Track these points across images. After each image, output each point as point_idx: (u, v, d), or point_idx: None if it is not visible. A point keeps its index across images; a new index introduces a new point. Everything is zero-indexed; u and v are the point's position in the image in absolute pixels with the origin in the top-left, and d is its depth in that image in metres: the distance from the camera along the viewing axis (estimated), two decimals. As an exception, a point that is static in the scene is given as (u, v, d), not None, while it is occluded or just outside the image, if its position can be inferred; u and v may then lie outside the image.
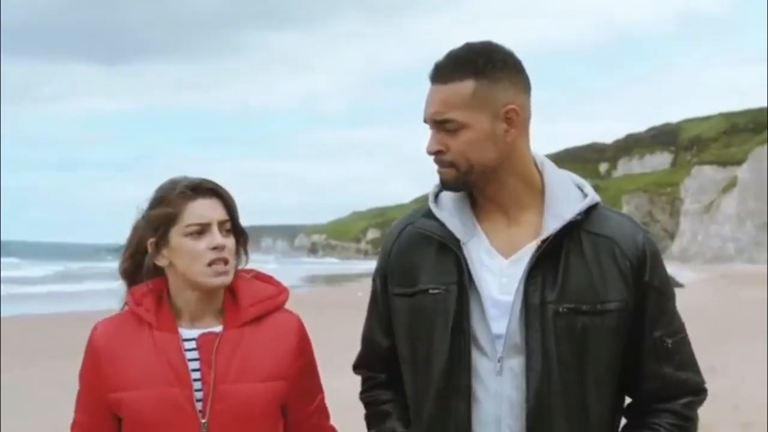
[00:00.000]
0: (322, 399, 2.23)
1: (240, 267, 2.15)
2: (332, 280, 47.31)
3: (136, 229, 2.11)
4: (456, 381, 1.91)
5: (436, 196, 2.04)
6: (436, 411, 1.93)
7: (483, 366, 1.91)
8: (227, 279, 2.06)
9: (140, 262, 2.11)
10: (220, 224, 2.06)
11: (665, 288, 1.98)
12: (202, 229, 2.04)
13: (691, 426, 1.99)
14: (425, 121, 1.97)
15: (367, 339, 2.13)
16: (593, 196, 1.97)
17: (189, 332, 2.06)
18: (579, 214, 1.93)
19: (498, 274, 1.94)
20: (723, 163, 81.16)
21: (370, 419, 2.11)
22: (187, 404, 2.01)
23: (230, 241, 2.07)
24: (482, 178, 1.95)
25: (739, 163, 74.36)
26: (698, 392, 2.00)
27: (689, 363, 2.00)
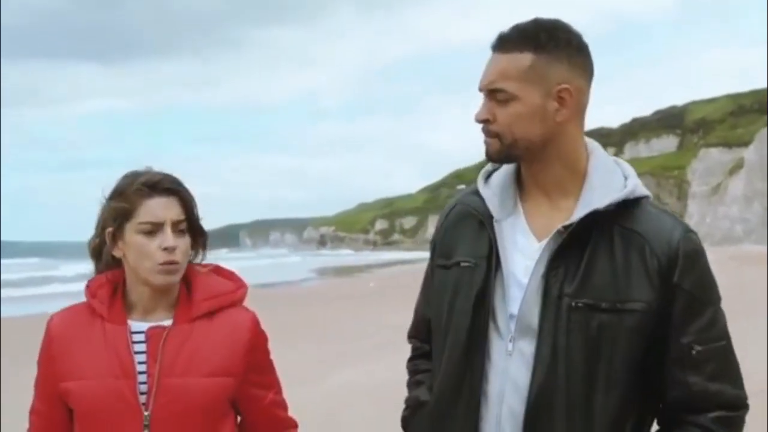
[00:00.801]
0: (277, 392, 2.22)
1: (198, 262, 2.16)
2: (344, 271, 47.33)
3: (100, 214, 2.12)
4: (471, 356, 1.92)
5: (488, 175, 2.06)
6: (450, 385, 1.95)
7: (496, 344, 1.92)
8: (174, 279, 2.07)
9: (102, 252, 2.13)
10: (174, 224, 2.06)
11: (700, 292, 1.88)
12: (155, 228, 2.04)
13: None
14: (480, 90, 1.96)
15: (417, 310, 2.19)
16: (633, 189, 1.91)
17: (139, 325, 2.08)
18: (609, 206, 1.87)
19: (528, 254, 1.93)
20: (729, 144, 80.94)
21: (408, 386, 2.16)
22: (131, 396, 2.02)
23: (183, 241, 2.07)
24: (526, 153, 1.93)
25: (745, 144, 74.15)
26: (735, 407, 1.89)
27: (725, 374, 1.89)
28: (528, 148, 1.92)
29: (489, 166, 2.07)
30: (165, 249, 2.03)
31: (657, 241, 1.86)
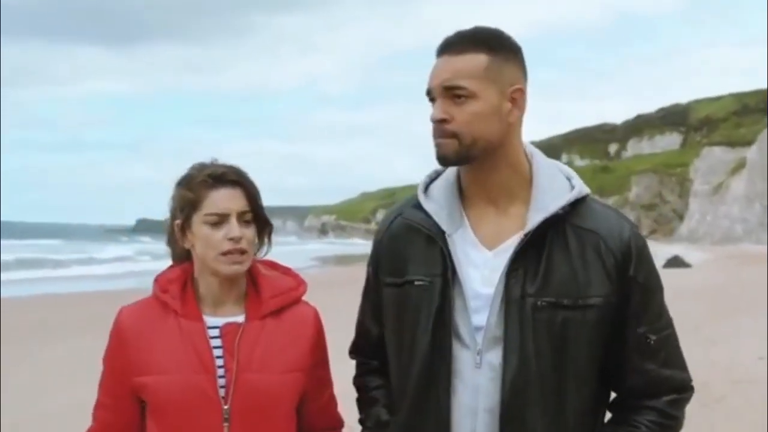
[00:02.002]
0: (332, 389, 2.27)
1: (260, 254, 2.18)
2: (346, 260, 47.41)
3: (170, 206, 2.15)
4: (436, 373, 1.91)
5: (426, 186, 2.03)
6: (416, 401, 1.94)
7: (463, 358, 1.91)
8: (241, 268, 2.09)
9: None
10: (240, 215, 2.08)
11: (651, 284, 1.94)
12: (221, 219, 2.07)
13: (674, 424, 1.96)
14: (428, 93, 1.94)
15: (360, 325, 2.15)
16: (580, 189, 1.95)
17: (213, 320, 2.11)
18: (563, 208, 1.90)
19: (481, 266, 1.92)
20: (732, 144, 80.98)
21: (360, 404, 2.14)
22: (211, 391, 2.05)
23: (249, 231, 2.10)
24: (483, 155, 1.92)
25: (748, 144, 74.16)
26: (683, 390, 1.97)
27: (675, 360, 1.96)
28: (486, 149, 1.91)
29: (426, 178, 2.04)
30: (231, 239, 2.05)
31: (610, 238, 1.91)
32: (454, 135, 1.90)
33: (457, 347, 1.91)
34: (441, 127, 1.91)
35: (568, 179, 1.97)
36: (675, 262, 32.63)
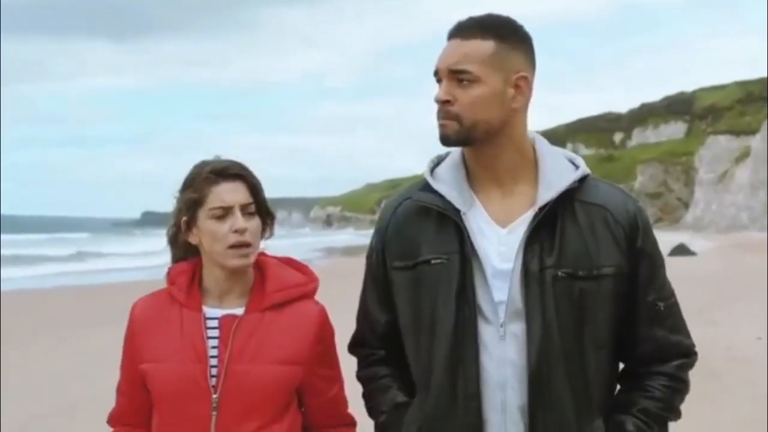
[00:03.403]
0: (341, 389, 2.27)
1: (265, 239, 2.22)
2: (357, 251, 47.45)
3: (175, 206, 2.21)
4: (463, 348, 1.94)
5: (432, 170, 2.07)
6: (444, 379, 1.96)
7: (487, 332, 1.95)
8: (248, 260, 2.15)
9: (179, 238, 2.23)
10: (243, 207, 2.13)
11: (656, 254, 2.03)
12: (225, 213, 2.12)
13: (683, 388, 2.03)
14: (435, 73, 1.99)
15: (365, 317, 2.15)
16: (584, 168, 2.02)
17: (213, 311, 2.17)
18: (573, 183, 1.97)
19: (496, 243, 1.97)
20: (737, 132, 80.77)
21: (370, 394, 2.14)
22: (201, 380, 2.11)
23: (253, 223, 2.15)
24: (484, 137, 1.97)
25: (753, 132, 74.02)
26: (689, 354, 2.04)
27: (680, 326, 2.04)
28: (487, 131, 1.96)
29: (430, 162, 2.08)
30: (236, 231, 2.11)
31: (617, 211, 1.98)
32: (456, 116, 1.96)
33: (480, 322, 1.95)
34: (444, 108, 1.97)
35: (571, 161, 2.05)
36: (680, 250, 32.66)
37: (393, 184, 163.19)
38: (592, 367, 1.96)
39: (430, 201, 2.01)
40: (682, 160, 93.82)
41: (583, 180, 2.00)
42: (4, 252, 35.84)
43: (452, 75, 1.96)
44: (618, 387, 2.06)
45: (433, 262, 1.98)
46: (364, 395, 2.16)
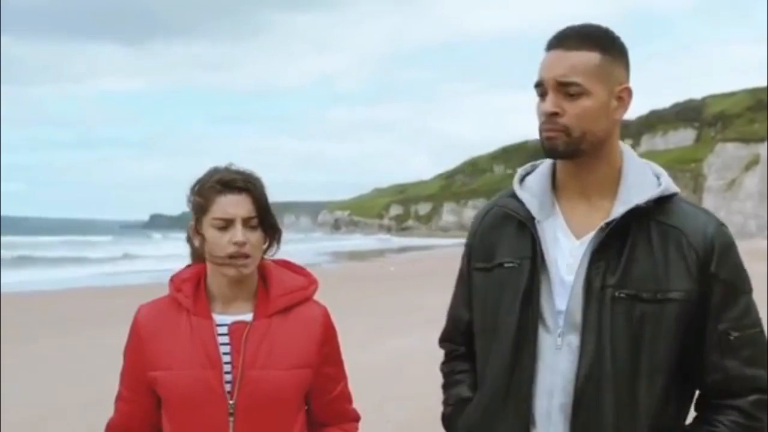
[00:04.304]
0: (345, 385, 2.32)
1: (269, 255, 2.25)
2: (359, 256, 47.48)
3: (189, 206, 2.24)
4: (521, 353, 1.97)
5: (522, 178, 2.10)
6: (500, 379, 1.99)
7: (545, 340, 1.96)
8: (245, 271, 2.17)
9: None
10: (245, 220, 2.15)
11: (735, 281, 1.95)
12: (227, 224, 2.14)
13: (759, 426, 1.94)
14: (539, 85, 1.98)
15: (452, 313, 2.21)
16: (667, 186, 1.98)
17: (222, 318, 2.19)
18: (648, 203, 1.94)
19: (567, 254, 1.98)
20: (746, 140, 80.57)
21: (445, 387, 2.19)
22: (217, 386, 2.13)
23: (254, 236, 2.17)
24: (590, 149, 1.97)
25: (762, 140, 73.90)
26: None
27: (760, 359, 1.95)
28: (593, 143, 1.96)
29: (522, 170, 2.12)
30: (235, 243, 2.13)
31: (693, 235, 1.93)
32: (564, 128, 1.95)
33: (541, 329, 1.97)
34: (552, 120, 1.96)
35: (657, 177, 2.03)
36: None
37: (401, 189, 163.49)
38: (643, 390, 1.92)
39: (512, 208, 2.05)
40: (691, 167, 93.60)
41: (666, 199, 1.98)
42: (20, 253, 36.37)
43: (559, 87, 1.95)
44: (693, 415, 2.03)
45: (506, 265, 2.02)
46: (442, 387, 2.21)
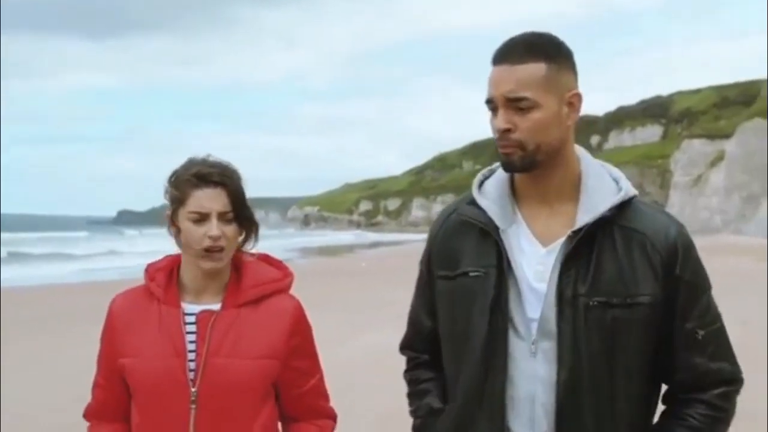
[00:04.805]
0: (319, 381, 2.30)
1: (248, 248, 2.25)
2: (330, 251, 47.43)
3: (166, 195, 2.24)
4: (493, 360, 1.97)
5: (481, 184, 2.09)
6: (472, 388, 1.99)
7: (518, 347, 1.97)
8: (218, 264, 2.18)
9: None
10: (220, 214, 2.16)
11: (698, 281, 2.00)
12: (202, 218, 2.15)
13: (725, 416, 1.99)
14: (489, 102, 1.99)
15: (413, 320, 2.20)
16: (627, 190, 2.00)
17: (191, 307, 2.20)
18: (611, 210, 1.96)
19: (534, 261, 1.98)
20: (712, 136, 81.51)
21: (411, 397, 2.18)
22: (180, 374, 2.14)
23: (229, 229, 2.17)
24: (546, 159, 1.98)
25: (727, 136, 74.83)
26: (733, 382, 2.00)
27: (724, 353, 2.01)
28: (549, 153, 1.97)
29: (480, 176, 2.11)
30: (210, 237, 2.14)
31: (656, 238, 1.96)
32: (518, 144, 1.96)
33: (512, 336, 1.97)
34: (506, 137, 1.97)
35: (615, 181, 2.04)
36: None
37: (371, 184, 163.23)
38: (622, 394, 1.95)
39: (472, 216, 2.04)
40: (657, 163, 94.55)
41: (626, 203, 1.99)
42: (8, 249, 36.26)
43: (509, 102, 1.96)
44: (661, 409, 2.07)
45: (471, 274, 2.02)
46: (408, 396, 2.20)
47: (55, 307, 15.89)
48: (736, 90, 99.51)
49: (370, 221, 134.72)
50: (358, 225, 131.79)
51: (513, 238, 2.00)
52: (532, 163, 1.98)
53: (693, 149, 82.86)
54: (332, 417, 2.34)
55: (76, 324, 12.83)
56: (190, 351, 2.15)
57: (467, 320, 2.01)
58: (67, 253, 39.30)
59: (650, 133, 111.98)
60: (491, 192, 2.06)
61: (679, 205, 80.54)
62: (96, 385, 2.31)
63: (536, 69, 1.95)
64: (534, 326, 1.96)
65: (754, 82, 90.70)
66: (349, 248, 51.22)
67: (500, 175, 2.07)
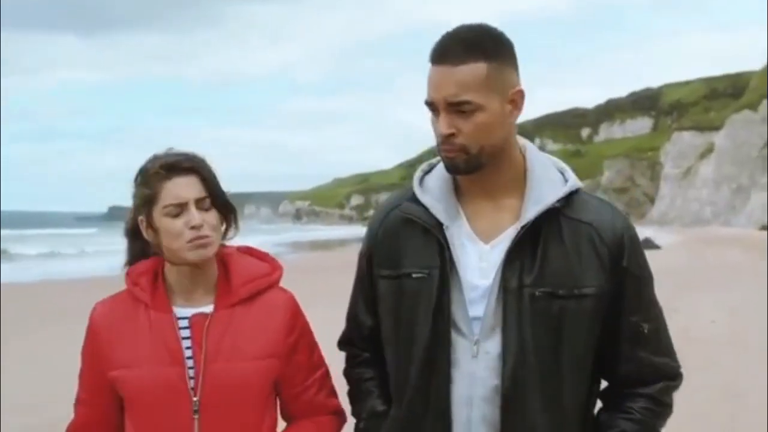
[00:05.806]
0: (323, 375, 2.20)
1: (228, 238, 2.15)
2: (320, 246, 47.34)
3: (132, 201, 2.12)
4: (435, 362, 1.93)
5: (421, 179, 2.04)
6: (416, 391, 1.96)
7: (461, 348, 1.93)
8: (208, 252, 2.06)
9: (138, 231, 2.13)
10: (198, 202, 2.05)
11: (643, 274, 1.98)
12: (179, 209, 2.04)
13: (665, 411, 1.99)
14: (429, 103, 1.94)
15: (352, 317, 2.13)
16: (573, 182, 1.97)
17: (183, 311, 2.09)
18: (558, 201, 1.93)
19: (478, 259, 1.94)
20: (701, 128, 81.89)
21: (353, 396, 2.12)
22: (180, 383, 2.03)
23: (210, 216, 2.06)
24: (491, 160, 1.93)
25: (716, 128, 75.16)
26: (674, 377, 2.00)
27: (666, 349, 2.00)
28: (493, 155, 1.93)
29: (420, 171, 2.06)
30: (192, 228, 2.03)
31: (604, 229, 1.93)
32: (462, 147, 1.90)
33: (455, 337, 1.93)
34: (449, 141, 1.91)
35: (561, 173, 2.01)
36: (645, 244, 32.73)
37: (361, 178, 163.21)
38: (569, 386, 1.93)
39: (414, 213, 1.99)
40: (648, 155, 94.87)
41: (572, 194, 1.96)
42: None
43: (451, 107, 1.90)
44: (600, 405, 2.04)
45: (414, 275, 1.97)
46: (348, 394, 2.15)
47: (58, 304, 15.66)
48: (725, 82, 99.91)
49: (361, 215, 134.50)
50: (350, 219, 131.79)
51: (455, 235, 1.95)
52: (477, 166, 1.93)
53: (683, 141, 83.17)
54: (339, 412, 2.23)
55: (78, 322, 12.87)
56: (188, 358, 2.05)
57: (412, 323, 1.96)
58: (80, 250, 38.92)
59: (640, 125, 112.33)
60: (433, 189, 2.00)
61: (669, 197, 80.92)
62: (79, 402, 2.18)
63: (477, 69, 1.88)
64: (477, 325, 1.93)
65: (742, 74, 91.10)
66: (341, 242, 51.20)
67: (441, 169, 2.02)
